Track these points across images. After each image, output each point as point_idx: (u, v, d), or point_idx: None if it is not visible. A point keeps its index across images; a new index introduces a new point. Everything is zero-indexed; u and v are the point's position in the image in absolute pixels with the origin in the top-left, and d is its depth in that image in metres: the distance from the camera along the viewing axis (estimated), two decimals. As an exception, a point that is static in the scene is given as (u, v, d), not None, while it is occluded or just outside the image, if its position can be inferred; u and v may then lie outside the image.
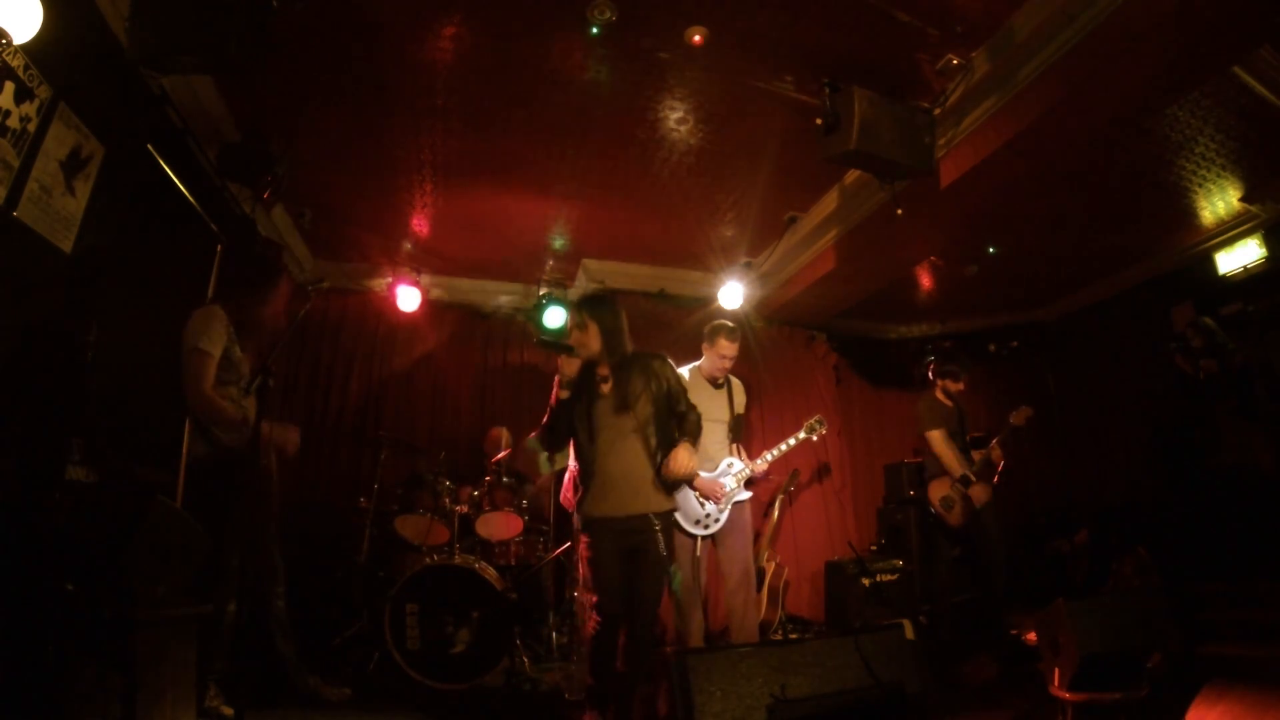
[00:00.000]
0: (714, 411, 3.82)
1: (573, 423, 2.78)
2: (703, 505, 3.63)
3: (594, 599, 2.67)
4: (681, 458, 2.69)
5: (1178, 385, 4.92)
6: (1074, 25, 2.97)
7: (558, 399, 2.76)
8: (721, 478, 3.70)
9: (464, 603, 3.63)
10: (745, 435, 4.09)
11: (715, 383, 3.85)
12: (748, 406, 4.07)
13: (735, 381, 3.94)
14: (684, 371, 3.89)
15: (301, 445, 4.72)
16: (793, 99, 3.55)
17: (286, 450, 3.09)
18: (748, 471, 3.75)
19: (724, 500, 3.65)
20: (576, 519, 2.81)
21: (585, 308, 2.83)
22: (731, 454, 3.81)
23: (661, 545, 2.68)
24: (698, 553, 3.63)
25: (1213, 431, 4.63)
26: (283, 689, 3.09)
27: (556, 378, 2.76)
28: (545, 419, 2.81)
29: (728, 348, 3.75)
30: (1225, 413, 4.55)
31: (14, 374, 2.28)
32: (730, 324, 3.84)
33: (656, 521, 2.69)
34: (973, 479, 4.37)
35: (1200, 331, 4.65)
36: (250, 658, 2.97)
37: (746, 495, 3.75)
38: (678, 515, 3.62)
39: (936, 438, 4.52)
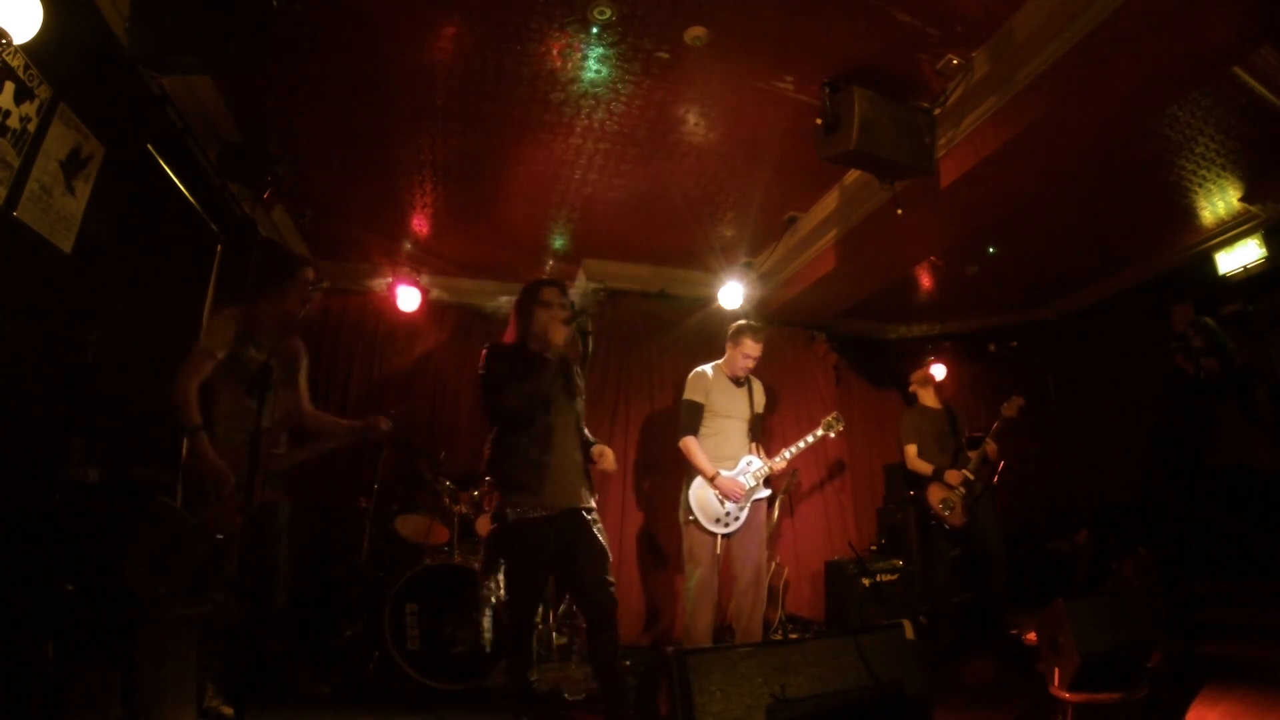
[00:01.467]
0: (735, 409, 3.84)
1: (544, 392, 2.74)
2: (723, 504, 3.63)
3: (509, 593, 2.70)
4: (611, 456, 2.81)
5: (1178, 384, 4.92)
6: (1074, 25, 2.96)
7: (536, 355, 2.76)
8: (740, 476, 3.71)
9: (464, 603, 3.63)
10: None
11: (737, 381, 3.87)
12: (768, 407, 4.08)
13: (756, 381, 3.96)
14: (707, 369, 3.91)
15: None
16: (793, 99, 3.55)
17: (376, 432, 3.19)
18: (766, 470, 3.75)
19: (744, 498, 3.65)
20: (497, 500, 2.70)
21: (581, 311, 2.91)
22: (750, 453, 3.81)
23: (600, 536, 2.70)
24: (717, 551, 3.63)
25: (1213, 431, 4.63)
26: (274, 686, 3.09)
27: (549, 339, 2.78)
28: (524, 386, 2.69)
29: (752, 348, 3.79)
30: (1226, 412, 4.55)
31: (14, 374, 2.28)
32: (756, 324, 3.89)
33: (589, 515, 2.73)
34: (944, 469, 4.43)
35: (1200, 331, 4.66)
36: (249, 657, 2.97)
37: (765, 493, 3.77)
38: (698, 514, 3.64)
39: (910, 453, 4.63)
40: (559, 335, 2.77)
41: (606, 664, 2.63)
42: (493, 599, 3.73)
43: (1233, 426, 4.52)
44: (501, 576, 2.80)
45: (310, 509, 4.73)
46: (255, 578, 2.96)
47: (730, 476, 3.67)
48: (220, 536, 2.68)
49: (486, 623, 3.60)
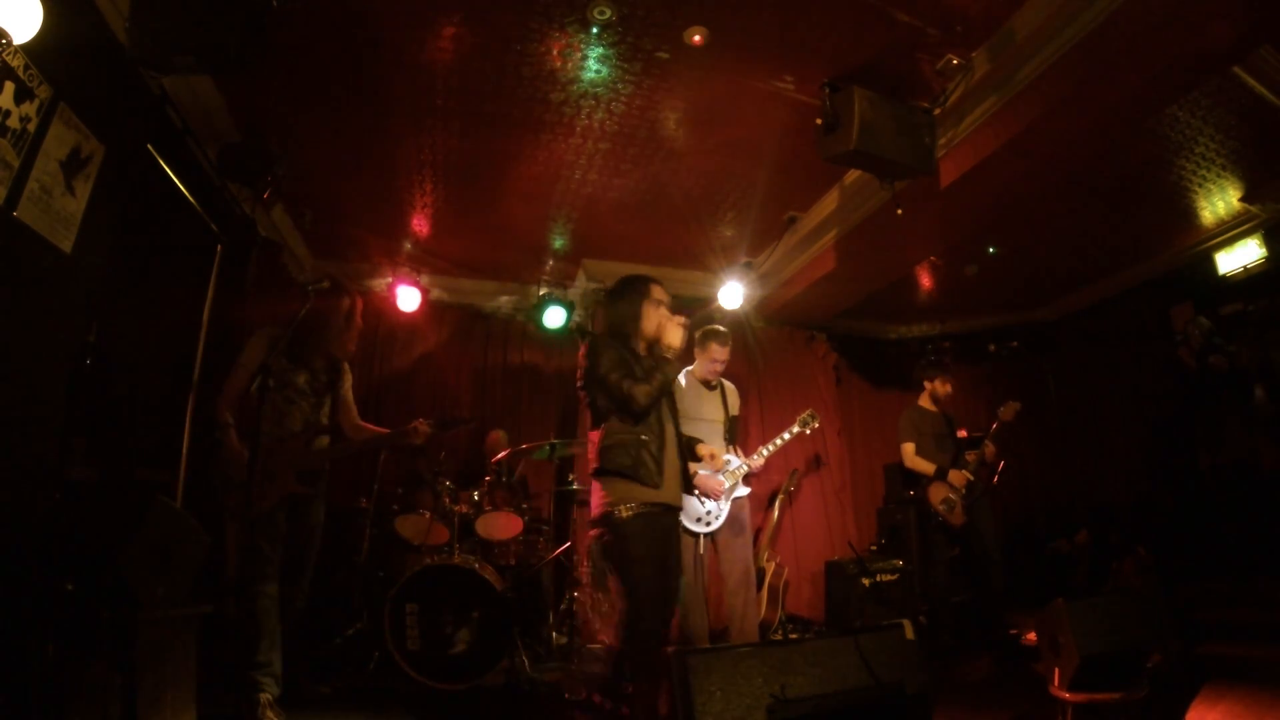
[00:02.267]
0: (709, 412, 3.85)
1: (667, 390, 2.67)
2: (703, 503, 3.64)
3: (639, 592, 2.40)
4: (720, 459, 2.83)
5: (1179, 381, 4.91)
6: (1074, 25, 2.96)
7: (665, 357, 2.64)
8: (719, 475, 3.71)
9: (464, 603, 3.63)
10: (744, 436, 4.11)
11: (708, 385, 3.88)
12: (741, 408, 4.10)
13: (728, 384, 3.98)
14: (679, 375, 3.91)
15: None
16: (793, 99, 3.55)
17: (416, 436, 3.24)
18: (745, 468, 3.77)
19: (724, 497, 3.66)
20: (606, 498, 2.52)
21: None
22: (728, 452, 3.82)
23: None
24: (700, 551, 3.64)
25: (1215, 429, 4.62)
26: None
27: (665, 340, 2.66)
28: (655, 379, 2.56)
29: (719, 352, 3.80)
30: (1229, 411, 4.55)
31: (14, 374, 2.28)
32: (721, 329, 3.88)
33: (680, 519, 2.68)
34: (947, 469, 4.41)
35: (1199, 329, 4.66)
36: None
37: (745, 491, 3.78)
38: (680, 515, 3.64)
39: (908, 451, 4.60)
40: (677, 338, 2.66)
41: (649, 665, 2.50)
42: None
43: (1235, 425, 4.52)
44: (612, 584, 2.53)
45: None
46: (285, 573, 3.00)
47: (709, 475, 3.68)
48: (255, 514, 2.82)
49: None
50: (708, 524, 3.65)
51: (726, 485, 3.69)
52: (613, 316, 2.78)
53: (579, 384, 2.67)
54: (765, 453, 3.91)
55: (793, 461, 5.63)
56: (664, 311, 2.73)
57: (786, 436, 4.05)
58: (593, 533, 2.58)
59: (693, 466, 3.67)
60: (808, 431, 4.13)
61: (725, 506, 3.68)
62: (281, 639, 2.95)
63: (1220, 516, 4.47)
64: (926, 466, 4.47)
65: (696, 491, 3.64)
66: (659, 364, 2.62)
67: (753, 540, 3.90)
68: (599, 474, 2.56)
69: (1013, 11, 3.07)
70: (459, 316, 5.90)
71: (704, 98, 3.60)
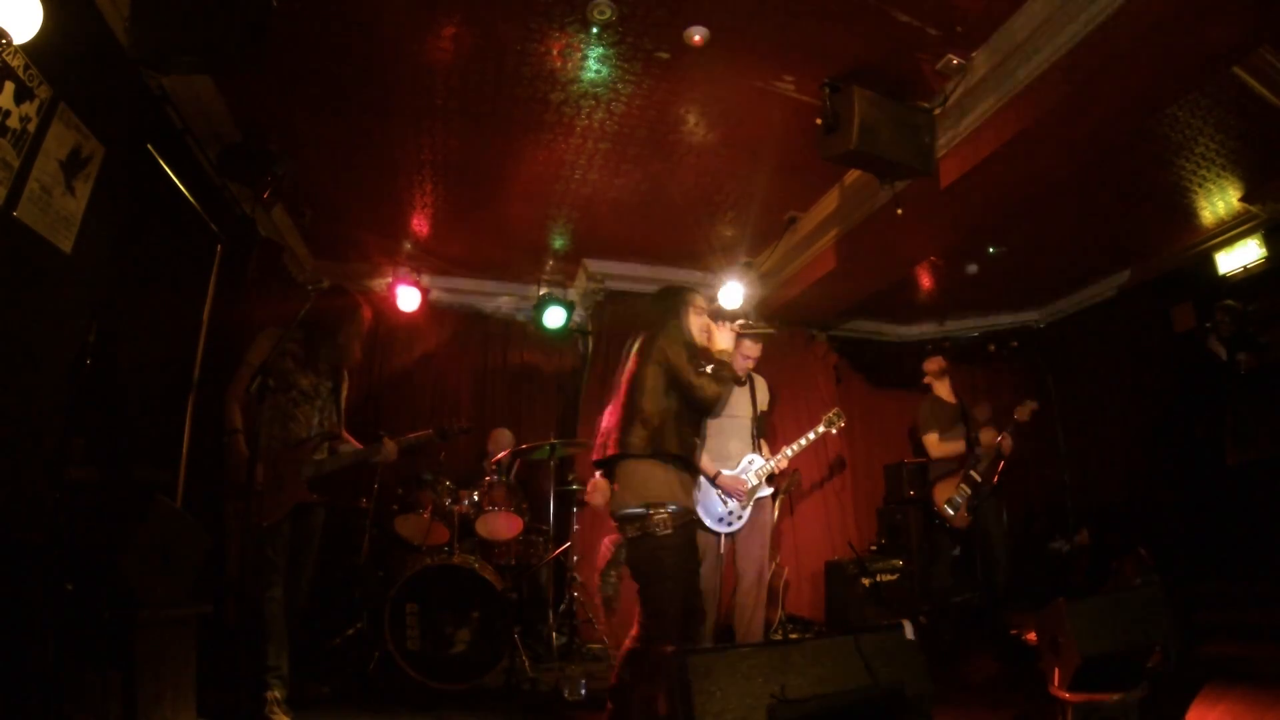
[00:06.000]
0: (737, 408, 3.81)
1: None
2: (725, 503, 3.61)
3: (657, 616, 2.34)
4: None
5: (1208, 374, 4.79)
6: (1074, 25, 2.96)
7: (726, 362, 2.72)
8: (742, 474, 3.69)
9: (464, 603, 3.63)
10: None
11: (738, 380, 3.86)
12: (771, 405, 4.08)
13: (759, 379, 3.94)
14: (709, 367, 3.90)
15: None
16: (793, 99, 3.55)
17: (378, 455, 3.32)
18: (770, 467, 3.72)
19: (747, 497, 3.63)
20: (647, 502, 2.42)
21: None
22: (754, 451, 3.81)
23: None
24: (721, 550, 3.61)
25: (1248, 424, 4.52)
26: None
27: (716, 345, 2.75)
28: (723, 378, 2.62)
29: (751, 348, 3.78)
30: (1263, 405, 4.45)
31: (14, 374, 2.28)
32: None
33: None
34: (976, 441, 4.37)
35: (1228, 314, 4.61)
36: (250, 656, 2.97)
37: (768, 491, 3.75)
38: (701, 512, 3.62)
39: (931, 441, 4.55)
40: (727, 341, 2.77)
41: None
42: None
43: (1272, 420, 4.43)
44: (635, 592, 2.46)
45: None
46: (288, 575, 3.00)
47: (733, 475, 3.66)
48: (265, 524, 2.83)
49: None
50: (729, 524, 3.61)
51: (750, 485, 3.66)
52: (686, 325, 2.75)
53: (643, 363, 2.62)
54: (789, 453, 3.86)
55: (794, 462, 5.63)
56: (705, 319, 2.78)
57: (812, 436, 4.00)
58: (616, 537, 2.58)
59: (712, 466, 3.64)
60: (834, 431, 4.08)
61: (748, 507, 3.65)
62: (290, 642, 2.95)
63: (1224, 516, 4.43)
64: (952, 449, 4.45)
65: (719, 491, 3.62)
66: (720, 366, 2.64)
67: (770, 541, 3.86)
68: (651, 456, 2.42)
69: (1013, 11, 3.07)
70: (459, 317, 5.90)
71: (704, 98, 3.60)
